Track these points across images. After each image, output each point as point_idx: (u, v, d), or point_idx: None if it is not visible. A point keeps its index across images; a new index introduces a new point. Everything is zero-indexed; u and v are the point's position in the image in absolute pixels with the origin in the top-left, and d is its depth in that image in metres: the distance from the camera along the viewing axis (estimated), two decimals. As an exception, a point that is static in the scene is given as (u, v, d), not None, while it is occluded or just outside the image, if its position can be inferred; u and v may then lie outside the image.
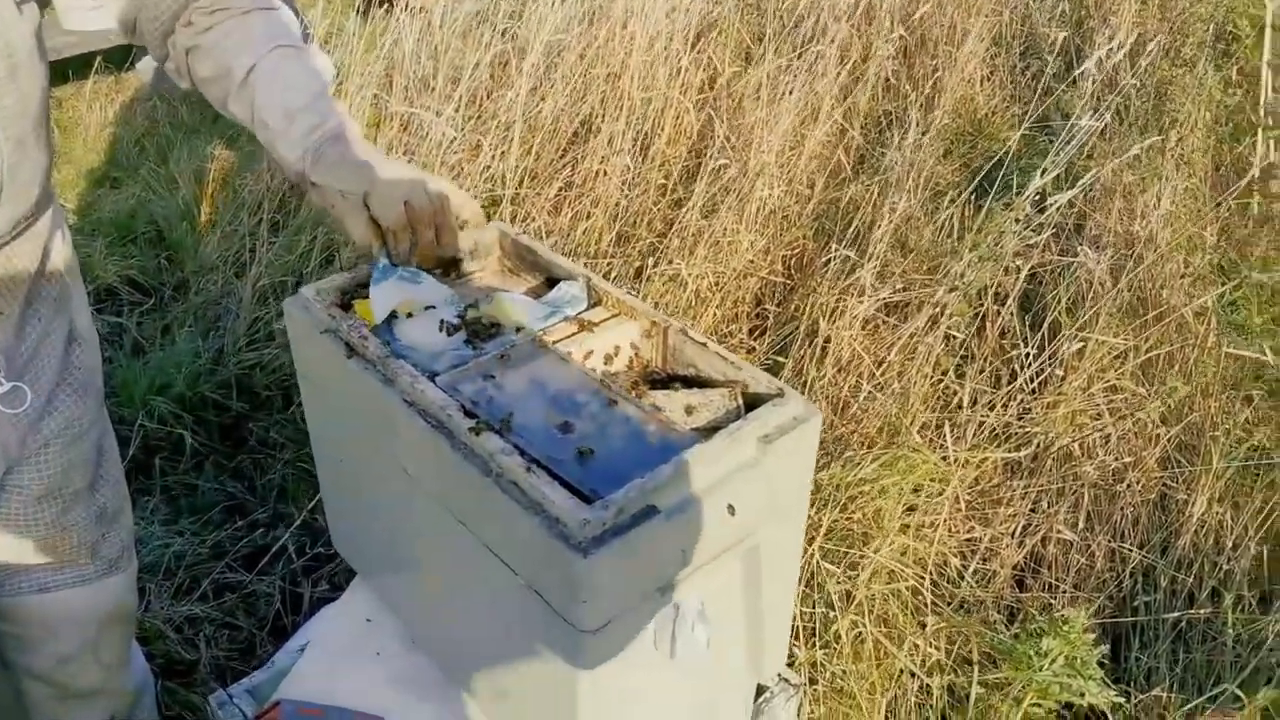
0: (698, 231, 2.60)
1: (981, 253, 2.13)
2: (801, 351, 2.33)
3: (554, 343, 1.30)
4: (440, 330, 1.34)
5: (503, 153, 3.00)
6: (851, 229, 2.58)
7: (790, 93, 2.87)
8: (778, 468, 1.17)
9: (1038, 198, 2.20)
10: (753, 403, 1.22)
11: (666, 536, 1.07)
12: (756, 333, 2.55)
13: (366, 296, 1.40)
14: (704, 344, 1.28)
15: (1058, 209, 2.23)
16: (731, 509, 1.13)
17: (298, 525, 2.14)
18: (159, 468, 2.55)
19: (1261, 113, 2.93)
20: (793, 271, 2.66)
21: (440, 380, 1.20)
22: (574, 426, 1.16)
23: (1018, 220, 2.18)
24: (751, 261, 2.60)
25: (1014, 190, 2.33)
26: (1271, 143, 2.92)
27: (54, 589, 1.49)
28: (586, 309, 1.38)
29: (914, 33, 4.00)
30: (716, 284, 2.54)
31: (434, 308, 1.38)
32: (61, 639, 1.54)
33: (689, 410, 1.21)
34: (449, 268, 1.50)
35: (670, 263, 2.53)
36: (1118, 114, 2.84)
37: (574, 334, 1.33)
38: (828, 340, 2.29)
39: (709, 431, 1.17)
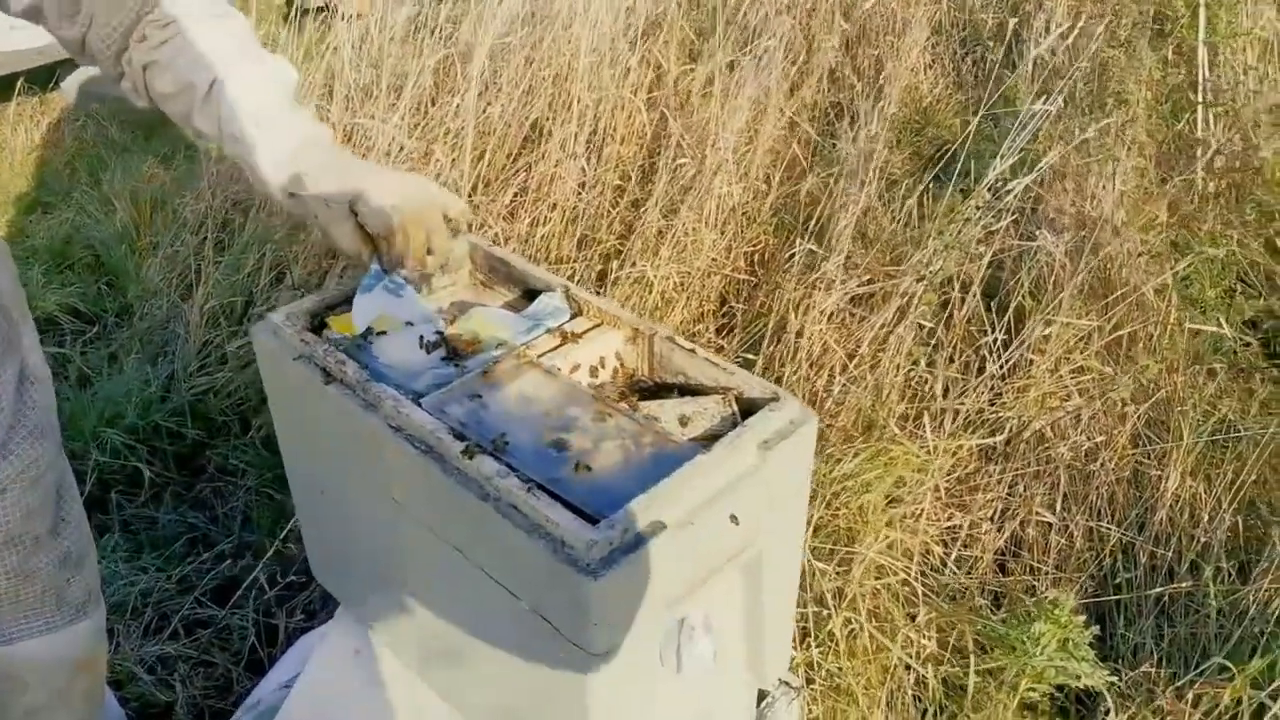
0: (659, 232, 2.57)
1: (948, 240, 2.13)
2: (771, 348, 2.32)
3: (538, 357, 1.27)
4: (420, 348, 1.29)
5: (454, 160, 2.94)
6: (814, 222, 2.57)
7: (742, 87, 2.86)
8: (777, 473, 1.15)
9: (999, 183, 2.22)
10: (747, 408, 1.20)
11: (673, 552, 1.04)
12: (724, 331, 2.54)
13: (338, 315, 1.35)
14: (693, 350, 1.26)
15: (1015, 195, 2.25)
16: (735, 518, 1.10)
17: (267, 555, 2.07)
18: (115, 502, 2.46)
19: (1200, 90, 2.99)
20: (756, 268, 2.65)
21: (426, 402, 1.16)
22: (569, 443, 1.12)
23: (978, 207, 2.19)
24: (714, 260, 2.58)
25: (971, 177, 2.35)
26: (1212, 118, 2.98)
27: (19, 639, 1.42)
28: (568, 320, 1.34)
29: (855, 24, 4.02)
30: (682, 284, 2.51)
31: (412, 324, 1.34)
32: (30, 690, 1.47)
33: (683, 420, 1.18)
34: (420, 283, 1.46)
35: (634, 265, 2.50)
36: (1071, 97, 2.88)
37: (557, 347, 1.30)
38: (798, 335, 2.28)
39: (707, 440, 1.15)
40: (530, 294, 1.43)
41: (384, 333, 1.33)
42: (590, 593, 0.96)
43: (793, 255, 2.44)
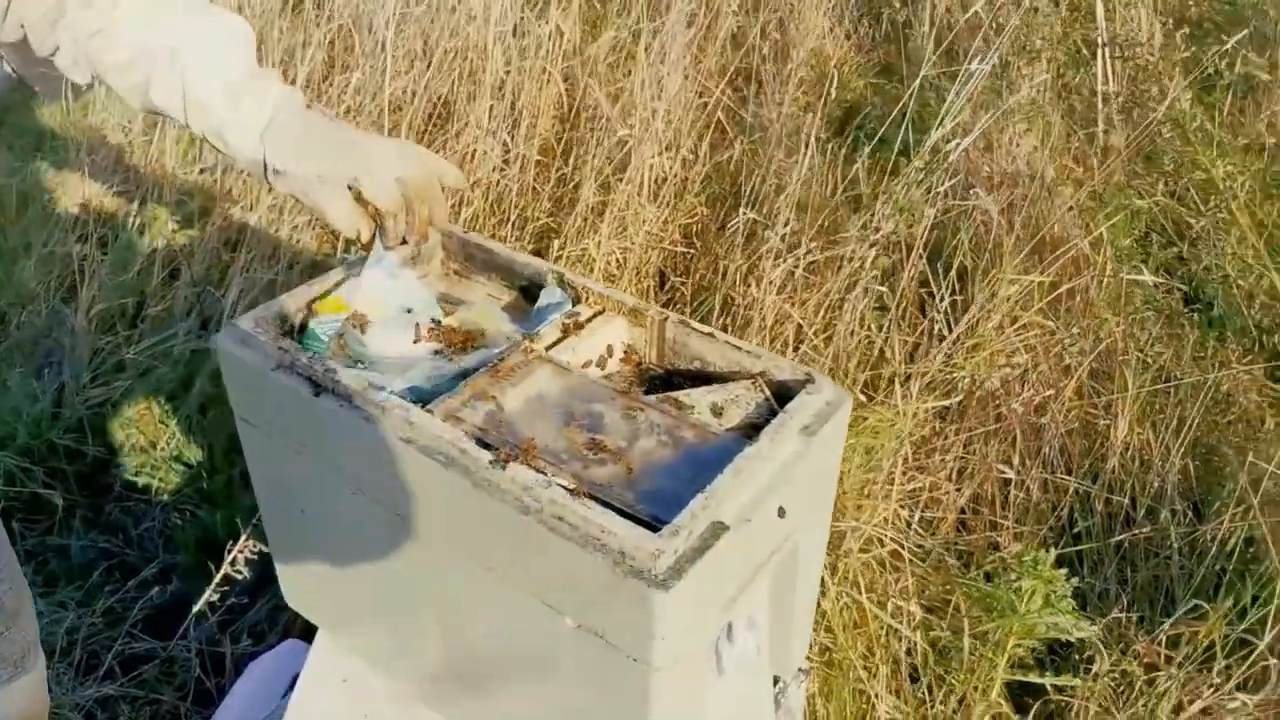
0: (597, 207, 2.48)
1: (900, 203, 2.12)
2: (722, 321, 2.27)
3: (545, 350, 1.17)
4: (415, 339, 1.19)
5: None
6: (751, 191, 2.53)
7: (667, 55, 2.78)
8: (818, 459, 1.10)
9: (937, 144, 2.21)
10: (777, 392, 1.14)
11: (733, 553, 0.97)
12: (667, 307, 2.47)
13: (324, 300, 1.23)
14: (711, 334, 1.19)
15: (953, 156, 2.25)
16: (782, 511, 1.05)
17: (217, 578, 1.90)
18: (18, 532, 2.23)
19: (1100, 44, 3.07)
20: (693, 240, 2.58)
21: (438, 409, 1.06)
22: (603, 443, 1.04)
23: (920, 169, 2.18)
24: (652, 234, 2.51)
25: (910, 141, 2.34)
26: (1111, 73, 3.07)
27: None
28: (569, 309, 1.25)
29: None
30: (622, 261, 2.43)
31: (411, 311, 1.23)
32: (-32, 760, 1.31)
33: (716, 410, 1.11)
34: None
35: (572, 242, 2.40)
36: (1007, 58, 2.91)
37: (562, 338, 1.21)
38: (749, 307, 2.24)
39: (745, 430, 1.09)
40: (518, 283, 1.34)
41: (367, 324, 1.22)
42: (658, 605, 0.89)
43: (734, 225, 2.39)
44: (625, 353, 1.25)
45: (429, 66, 3.11)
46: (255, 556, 1.82)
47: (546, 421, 1.07)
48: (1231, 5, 3.86)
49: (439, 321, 1.21)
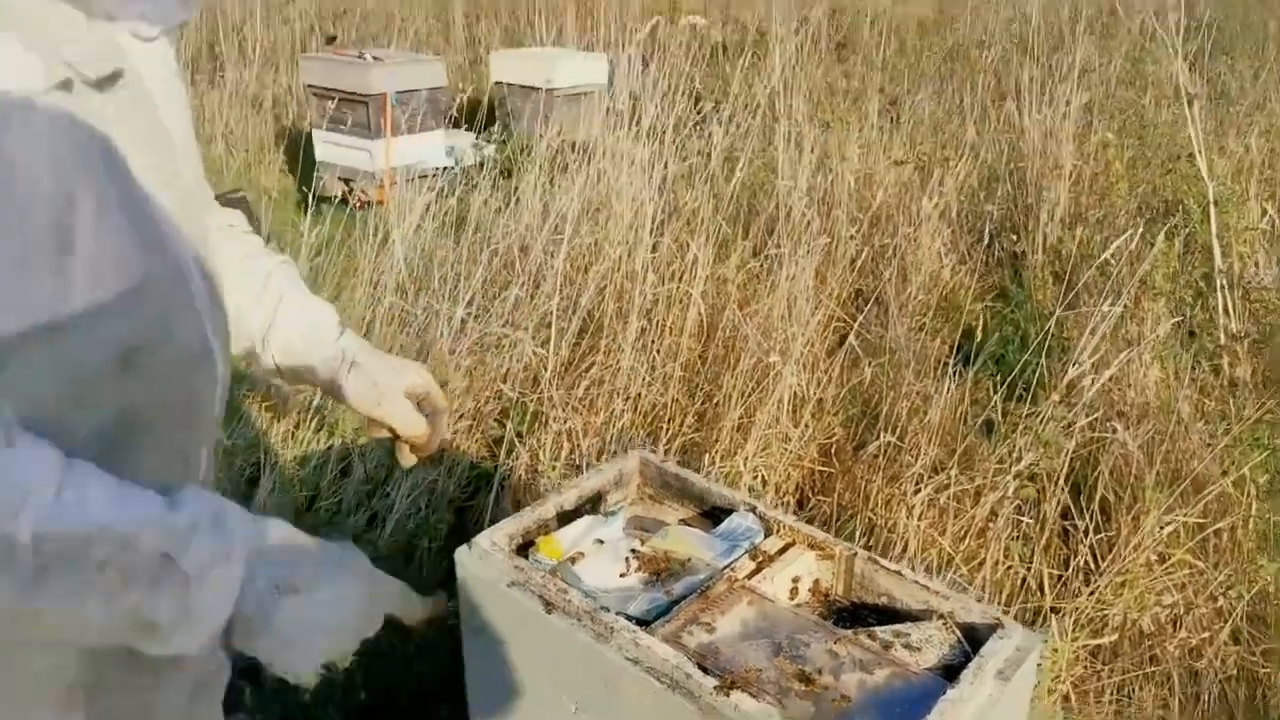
0: (738, 426, 2.63)
1: (1043, 435, 2.21)
2: (865, 543, 2.33)
3: (745, 579, 1.28)
4: (625, 569, 1.31)
5: (536, 353, 3.02)
6: (885, 413, 2.65)
7: (791, 278, 3.00)
8: (1010, 703, 1.16)
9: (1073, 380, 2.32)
10: (967, 632, 1.21)
11: (940, 792, 1.03)
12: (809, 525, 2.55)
13: (545, 538, 1.37)
14: (899, 573, 1.28)
15: (1090, 392, 2.35)
16: (979, 754, 1.10)
17: None
18: None
19: (1216, 279, 3.17)
20: (831, 459, 2.70)
21: (660, 631, 1.17)
22: (812, 677, 1.13)
23: (1062, 404, 2.28)
24: (791, 453, 2.63)
25: (1046, 372, 2.45)
26: (1233, 306, 3.16)
27: None
28: (761, 540, 1.37)
29: (867, 212, 4.24)
30: (766, 479, 2.55)
31: (602, 542, 1.36)
32: None
33: (910, 648, 1.19)
34: (597, 502, 1.49)
35: (722, 459, 2.54)
36: (1093, 288, 3.04)
37: (758, 568, 1.31)
38: (890, 530, 2.31)
39: (941, 670, 1.16)
40: (712, 512, 1.46)
41: (581, 554, 1.35)
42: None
43: (873, 448, 2.50)
44: (813, 584, 1.35)
45: (571, 285, 3.40)
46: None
47: (756, 650, 1.17)
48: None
49: (637, 551, 1.33)
